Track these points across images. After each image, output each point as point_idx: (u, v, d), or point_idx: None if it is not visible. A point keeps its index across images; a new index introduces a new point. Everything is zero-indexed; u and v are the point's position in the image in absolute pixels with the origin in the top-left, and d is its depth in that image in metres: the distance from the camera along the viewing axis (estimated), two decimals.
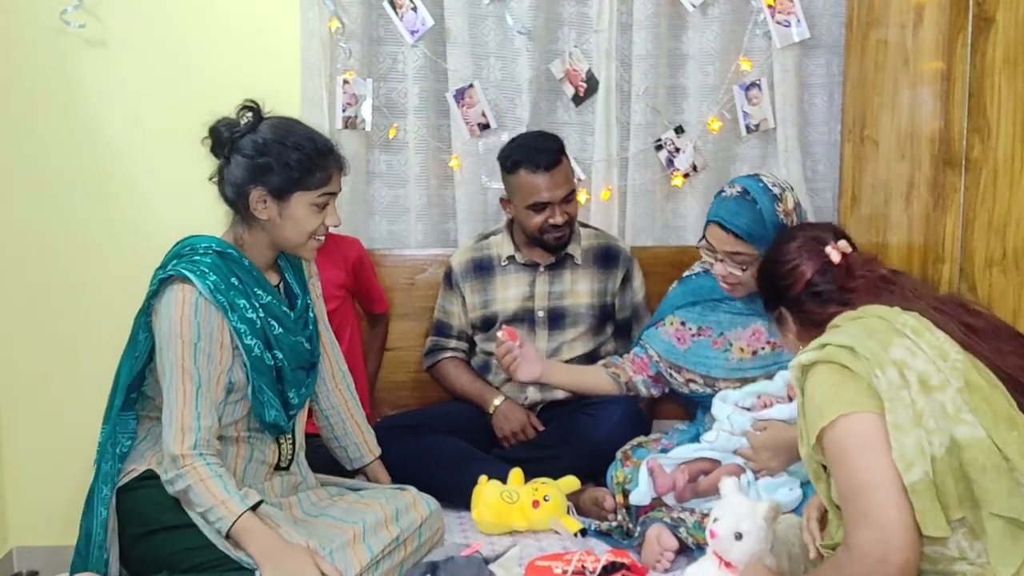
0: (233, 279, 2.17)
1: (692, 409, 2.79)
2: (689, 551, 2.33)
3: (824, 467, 1.75)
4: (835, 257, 1.93)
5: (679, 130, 3.16)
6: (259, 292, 2.22)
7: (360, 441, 2.53)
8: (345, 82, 3.03)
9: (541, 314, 2.93)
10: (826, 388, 1.71)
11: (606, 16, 3.08)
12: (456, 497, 2.62)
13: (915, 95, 2.59)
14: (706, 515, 2.14)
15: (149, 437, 2.25)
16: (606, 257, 2.97)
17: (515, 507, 2.53)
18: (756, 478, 2.28)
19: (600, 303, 2.95)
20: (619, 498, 2.54)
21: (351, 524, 2.22)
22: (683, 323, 2.66)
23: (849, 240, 2.00)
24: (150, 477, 2.19)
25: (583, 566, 2.19)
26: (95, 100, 2.96)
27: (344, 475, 2.55)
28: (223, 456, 2.18)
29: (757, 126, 3.17)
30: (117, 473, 2.22)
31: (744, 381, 2.53)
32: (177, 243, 2.25)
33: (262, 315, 2.21)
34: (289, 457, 2.34)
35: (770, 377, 2.44)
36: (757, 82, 3.14)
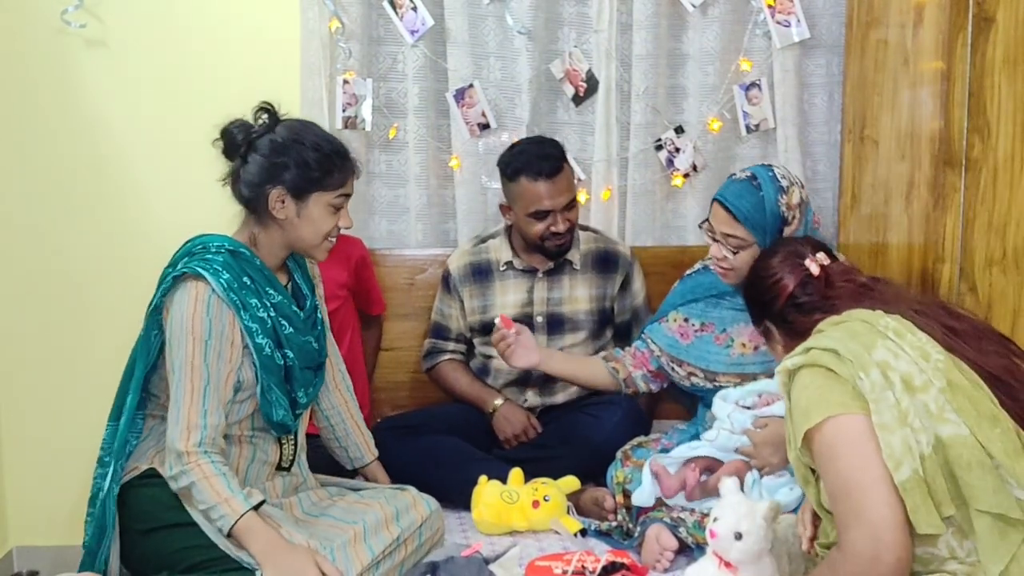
0: (245, 278, 2.18)
1: (692, 407, 2.79)
2: (689, 551, 2.33)
3: (813, 471, 1.77)
4: (814, 269, 1.98)
5: (679, 130, 3.16)
6: (270, 291, 2.23)
7: (360, 441, 2.53)
8: (345, 82, 3.03)
9: (540, 320, 2.92)
10: (812, 391, 1.73)
11: (606, 16, 3.08)
12: (456, 497, 2.62)
13: (915, 95, 2.59)
14: (706, 515, 2.15)
15: (152, 435, 2.25)
16: (605, 261, 2.96)
17: (515, 507, 2.53)
18: (761, 476, 2.28)
19: (599, 308, 2.95)
20: (619, 498, 2.54)
21: (351, 524, 2.22)
22: (686, 319, 2.66)
23: (828, 252, 2.06)
24: (152, 475, 2.19)
25: (583, 566, 2.19)
26: (96, 100, 2.96)
27: (344, 476, 2.55)
28: (226, 455, 2.18)
29: (757, 126, 3.17)
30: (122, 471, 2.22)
31: (744, 376, 2.53)
32: (187, 241, 2.26)
33: (273, 314, 2.21)
34: (291, 457, 2.34)
35: (771, 376, 2.44)
36: (757, 82, 3.14)
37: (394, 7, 3.05)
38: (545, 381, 2.95)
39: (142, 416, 2.28)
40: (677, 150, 3.16)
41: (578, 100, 3.16)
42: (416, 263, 3.14)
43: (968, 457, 1.65)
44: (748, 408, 2.34)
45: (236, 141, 2.19)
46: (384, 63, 3.13)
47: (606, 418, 2.79)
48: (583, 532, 2.49)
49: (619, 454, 2.62)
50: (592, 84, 3.13)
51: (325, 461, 2.56)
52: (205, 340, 2.12)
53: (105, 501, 2.19)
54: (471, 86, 3.09)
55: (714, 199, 2.48)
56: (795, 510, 2.20)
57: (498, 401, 2.91)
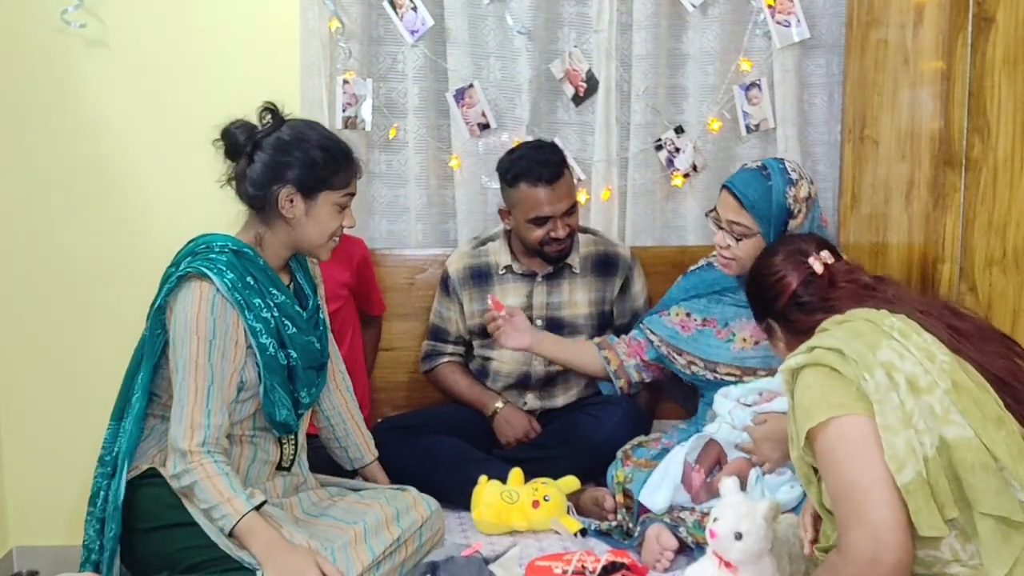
0: (249, 278, 2.18)
1: (692, 407, 2.80)
2: (689, 551, 2.33)
3: (815, 471, 1.76)
4: (818, 268, 1.97)
5: (679, 130, 3.16)
6: (274, 292, 2.23)
7: (360, 442, 2.53)
8: (345, 82, 3.03)
9: (540, 323, 2.91)
10: (815, 390, 1.72)
11: (606, 16, 3.08)
12: (456, 497, 2.61)
13: (915, 95, 2.59)
14: (706, 515, 2.15)
15: (153, 435, 2.25)
16: (604, 264, 2.95)
17: (515, 507, 2.53)
18: (763, 474, 2.28)
19: (598, 312, 2.94)
20: (619, 498, 2.54)
21: (352, 524, 2.22)
22: (688, 314, 2.66)
23: (832, 250, 2.03)
24: (153, 475, 2.19)
25: (583, 566, 2.19)
26: (96, 100, 2.96)
27: (343, 476, 2.55)
28: (227, 455, 2.18)
29: (757, 126, 3.17)
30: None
31: (745, 369, 2.53)
32: (190, 241, 2.25)
33: (276, 314, 2.22)
34: (291, 457, 2.34)
35: (771, 371, 2.44)
36: (757, 82, 3.14)
37: (394, 7, 3.05)
38: (545, 384, 2.95)
39: (144, 416, 2.27)
40: (677, 150, 3.16)
41: (578, 100, 3.16)
42: (416, 263, 3.14)
43: (972, 459, 1.64)
44: (749, 406, 2.34)
45: (239, 141, 2.19)
46: (384, 63, 3.13)
47: (606, 418, 2.79)
48: (583, 532, 2.49)
49: (619, 454, 2.62)
50: (592, 84, 3.13)
51: (325, 461, 2.56)
52: (209, 340, 2.12)
53: (113, 501, 2.17)
54: (471, 86, 3.09)
55: (723, 185, 2.49)
56: (795, 509, 2.21)
57: (499, 404, 2.91)
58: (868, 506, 1.62)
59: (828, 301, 1.92)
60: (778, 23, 3.09)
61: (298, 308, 2.28)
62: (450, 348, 3.00)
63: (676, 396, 2.94)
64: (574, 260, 2.92)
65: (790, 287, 1.97)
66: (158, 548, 2.14)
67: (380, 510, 2.27)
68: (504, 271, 2.92)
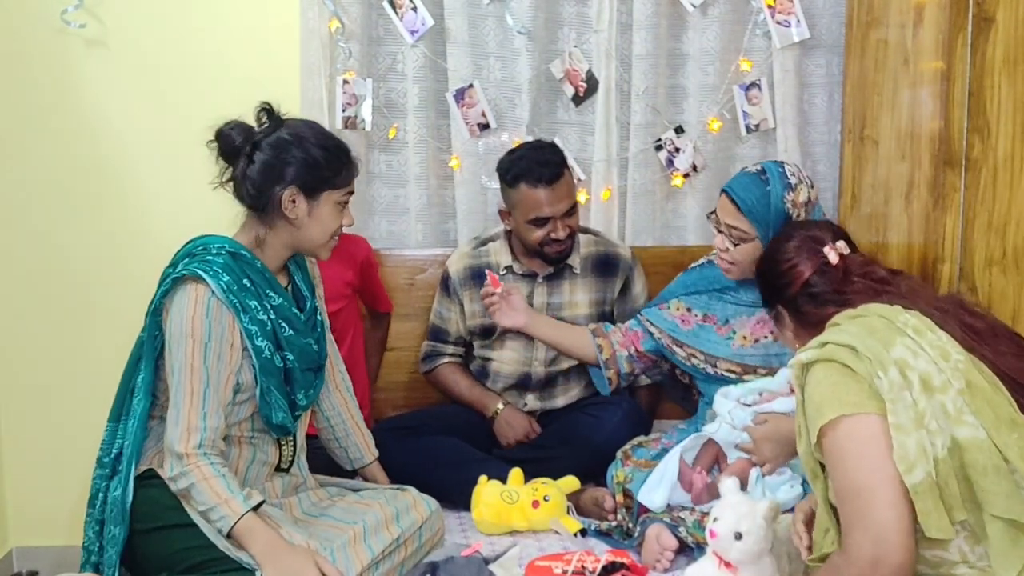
0: (245, 280, 2.18)
1: (692, 406, 2.80)
2: (689, 551, 2.33)
3: (822, 466, 1.74)
4: (833, 258, 1.92)
5: (679, 130, 3.16)
6: (271, 294, 2.22)
7: (360, 442, 2.53)
8: (345, 82, 3.03)
9: None
10: (826, 387, 1.69)
11: (606, 16, 3.08)
12: (456, 497, 2.62)
13: (915, 95, 2.59)
14: (706, 515, 2.15)
15: (151, 436, 2.24)
16: (605, 265, 2.95)
17: (515, 507, 2.53)
18: (763, 474, 2.28)
19: (599, 312, 2.93)
20: (619, 498, 2.54)
21: (351, 524, 2.22)
22: (688, 309, 2.66)
23: (848, 240, 1.99)
24: (152, 476, 2.18)
25: (583, 566, 2.19)
26: (96, 100, 2.96)
27: (343, 476, 2.55)
28: (226, 457, 2.18)
29: (757, 126, 3.17)
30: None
31: (745, 367, 2.53)
32: (188, 242, 2.25)
33: (273, 317, 2.21)
34: (290, 458, 2.34)
35: (770, 370, 2.44)
36: (757, 82, 3.14)
37: (394, 7, 3.05)
38: (545, 385, 2.95)
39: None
40: (677, 150, 3.16)
41: (578, 100, 3.16)
42: (416, 263, 3.14)
43: (984, 461, 1.62)
44: (749, 405, 2.34)
45: (235, 143, 2.18)
46: (384, 63, 3.13)
47: (606, 418, 2.79)
48: (583, 532, 2.49)
49: (619, 454, 2.62)
50: (592, 84, 3.13)
51: (324, 462, 2.56)
52: (204, 342, 2.11)
53: (118, 504, 2.17)
54: (471, 86, 3.09)
55: (722, 189, 2.49)
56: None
57: (499, 405, 2.91)
58: (873, 508, 1.60)
59: (841, 294, 1.88)
60: (778, 23, 3.09)
61: (295, 310, 2.28)
62: (450, 349, 3.00)
63: (675, 395, 2.93)
64: (575, 261, 2.92)
65: (802, 276, 1.93)
66: (158, 549, 2.14)
67: (380, 510, 2.27)
68: (505, 271, 2.92)
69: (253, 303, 2.18)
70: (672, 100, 3.21)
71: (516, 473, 2.61)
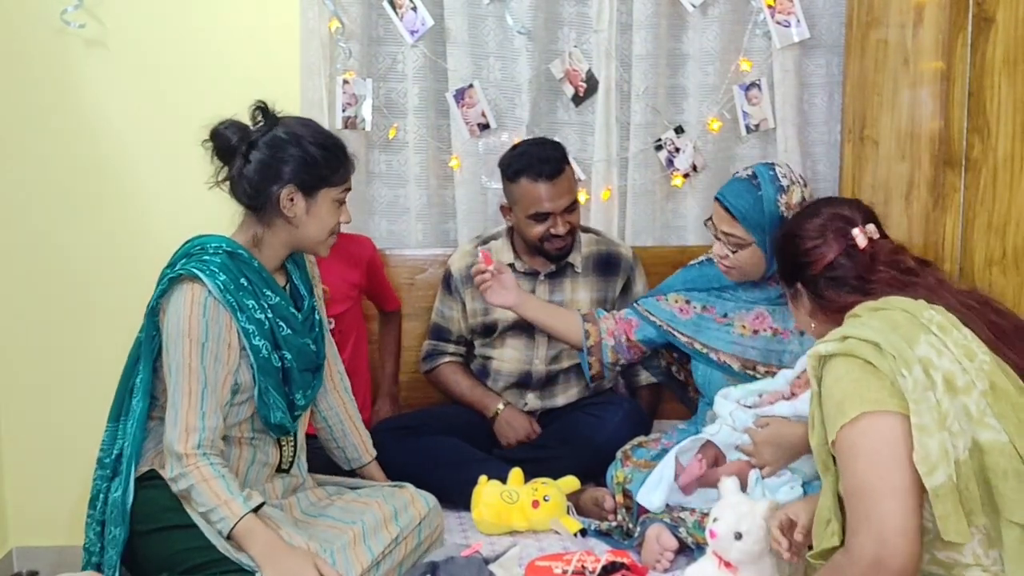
0: (242, 280, 2.17)
1: (693, 406, 2.79)
2: (689, 551, 2.33)
3: (834, 459, 1.69)
4: (861, 242, 1.83)
5: (679, 130, 3.16)
6: (268, 293, 2.22)
7: (358, 442, 2.53)
8: (345, 82, 3.03)
9: None
10: (847, 383, 1.65)
11: (606, 16, 3.08)
12: (456, 497, 2.61)
13: (915, 95, 2.59)
14: (706, 515, 2.15)
15: (151, 437, 2.24)
16: (607, 264, 2.95)
17: (515, 507, 2.53)
18: (762, 476, 2.28)
19: None
20: (619, 498, 2.54)
21: (350, 525, 2.22)
22: (688, 302, 2.65)
23: (877, 222, 1.89)
24: (152, 477, 2.18)
25: (583, 566, 2.19)
26: (95, 100, 2.96)
27: (341, 476, 2.55)
28: (226, 458, 2.18)
29: (757, 126, 3.17)
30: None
31: (745, 362, 2.53)
32: (186, 242, 2.25)
33: (270, 316, 2.21)
34: (290, 459, 2.34)
35: (772, 373, 2.44)
36: (757, 82, 3.14)
37: (394, 7, 3.05)
38: (545, 384, 2.95)
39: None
40: (677, 150, 3.16)
41: (578, 100, 3.16)
42: (416, 263, 3.14)
43: (1005, 465, 1.59)
44: (749, 407, 2.34)
45: (231, 142, 2.18)
46: (384, 63, 3.13)
47: (606, 418, 2.79)
48: (583, 532, 2.49)
49: (619, 454, 2.61)
50: (592, 84, 3.13)
51: (323, 462, 2.56)
52: (201, 342, 2.11)
53: (119, 505, 2.16)
54: (471, 86, 3.09)
55: (715, 197, 2.49)
56: None
57: (500, 406, 2.91)
58: (880, 511, 1.57)
59: (865, 282, 1.80)
60: (778, 23, 3.09)
61: (293, 310, 2.28)
62: (451, 348, 3.00)
63: (673, 388, 2.92)
64: (576, 259, 2.92)
65: (826, 257, 1.83)
66: (158, 550, 2.14)
67: (378, 509, 2.27)
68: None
69: (250, 302, 2.17)
70: (672, 100, 3.21)
71: (516, 473, 2.61)
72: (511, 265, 2.90)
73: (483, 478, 2.61)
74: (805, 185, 2.50)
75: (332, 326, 2.62)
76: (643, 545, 2.36)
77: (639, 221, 3.19)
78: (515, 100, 3.15)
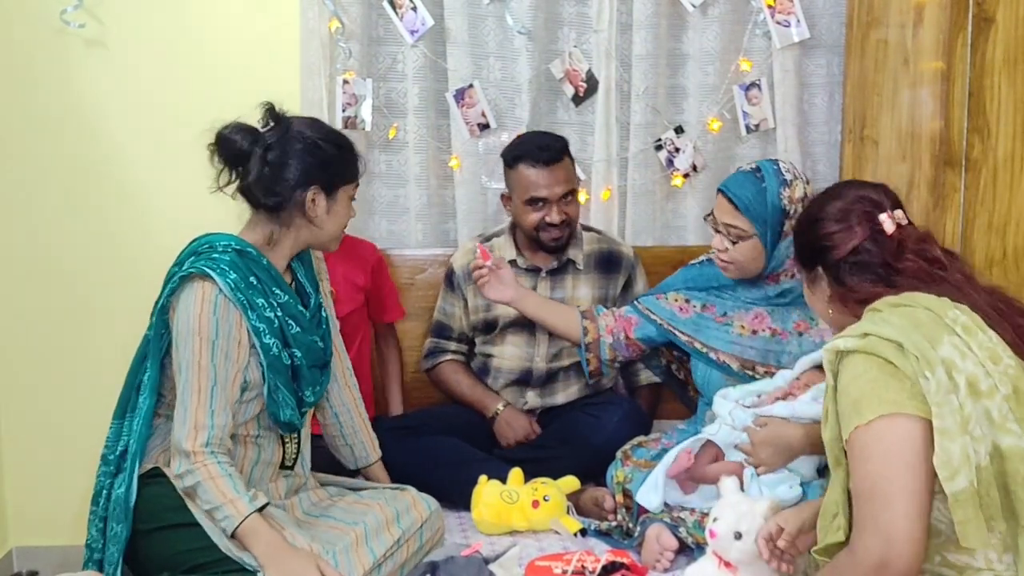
0: (252, 278, 2.18)
1: (689, 402, 2.80)
2: (689, 551, 2.33)
3: (846, 453, 1.66)
4: (889, 227, 1.74)
5: (679, 130, 3.16)
6: (277, 291, 2.22)
7: (367, 440, 2.53)
8: (345, 82, 3.04)
9: None
10: (864, 382, 1.61)
11: (606, 16, 3.08)
12: (456, 497, 2.61)
13: (915, 95, 2.59)
14: (706, 515, 2.15)
15: (157, 434, 2.24)
16: (608, 262, 2.95)
17: (515, 507, 2.53)
18: (758, 474, 2.28)
19: None
20: (619, 498, 2.54)
21: (352, 526, 2.22)
22: (687, 300, 2.65)
23: (903, 209, 1.80)
24: (156, 475, 2.18)
25: (583, 566, 2.19)
26: (95, 100, 2.96)
27: (344, 475, 2.55)
28: (232, 456, 2.18)
29: (757, 126, 3.17)
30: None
31: (744, 362, 2.53)
32: (193, 241, 2.25)
33: (280, 314, 2.21)
34: (294, 456, 2.34)
35: (770, 374, 2.44)
36: (757, 82, 3.14)
37: (394, 7, 3.05)
38: (545, 382, 2.95)
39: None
40: (677, 150, 3.16)
41: (578, 100, 3.16)
42: (416, 263, 3.14)
43: None
44: (748, 407, 2.34)
45: (241, 147, 2.16)
46: (384, 63, 3.13)
47: (606, 418, 2.79)
48: (583, 532, 2.49)
49: (619, 454, 2.61)
50: (592, 84, 3.13)
51: (326, 461, 2.56)
52: (212, 340, 2.11)
53: (122, 502, 2.16)
54: (471, 86, 3.09)
55: (719, 189, 2.49)
56: None
57: (500, 406, 2.91)
58: (887, 514, 1.55)
59: (890, 270, 1.72)
60: (778, 23, 3.10)
61: (301, 307, 2.28)
62: (453, 346, 3.00)
63: (675, 387, 2.92)
64: (578, 256, 2.92)
65: (850, 241, 1.74)
66: (160, 549, 2.14)
67: (380, 511, 2.27)
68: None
69: (260, 301, 2.18)
70: (672, 100, 3.21)
71: (516, 473, 2.61)
72: (512, 262, 2.91)
73: (483, 478, 2.61)
74: (807, 182, 2.50)
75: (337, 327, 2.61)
76: (643, 545, 2.36)
77: (639, 221, 3.19)
78: (515, 100, 3.15)
